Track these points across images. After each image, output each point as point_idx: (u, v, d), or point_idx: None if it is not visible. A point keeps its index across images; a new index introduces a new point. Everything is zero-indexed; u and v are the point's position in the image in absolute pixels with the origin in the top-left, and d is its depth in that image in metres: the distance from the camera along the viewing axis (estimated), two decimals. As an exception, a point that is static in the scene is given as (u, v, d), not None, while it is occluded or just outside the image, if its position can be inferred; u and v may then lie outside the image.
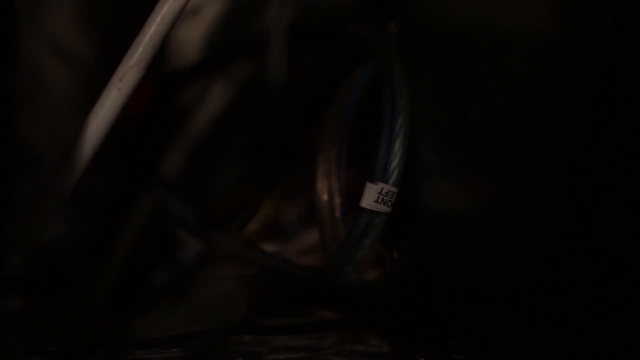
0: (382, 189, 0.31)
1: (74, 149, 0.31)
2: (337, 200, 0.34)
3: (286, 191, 0.43)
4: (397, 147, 0.31)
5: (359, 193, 0.32)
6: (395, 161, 0.31)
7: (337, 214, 0.34)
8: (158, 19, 0.31)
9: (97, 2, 0.43)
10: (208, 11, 0.44)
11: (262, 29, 0.41)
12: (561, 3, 0.23)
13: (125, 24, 0.43)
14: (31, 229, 0.30)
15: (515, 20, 0.25)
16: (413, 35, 0.35)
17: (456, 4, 0.30)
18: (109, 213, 0.42)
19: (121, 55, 0.31)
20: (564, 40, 0.23)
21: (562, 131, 0.23)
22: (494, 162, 0.27)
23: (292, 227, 0.42)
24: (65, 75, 0.42)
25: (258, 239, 0.41)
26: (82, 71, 0.42)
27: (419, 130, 0.33)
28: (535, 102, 0.24)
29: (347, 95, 0.36)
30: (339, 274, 0.32)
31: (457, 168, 0.30)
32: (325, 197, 0.34)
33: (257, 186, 0.42)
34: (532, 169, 0.25)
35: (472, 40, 0.29)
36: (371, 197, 0.31)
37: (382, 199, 0.31)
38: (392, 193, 0.31)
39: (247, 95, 0.44)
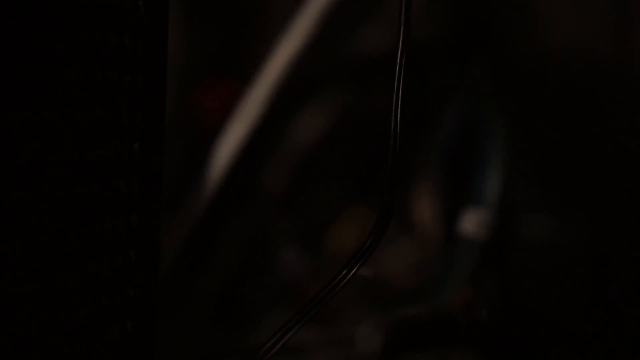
0: (479, 218, 0.34)
1: (201, 180, 0.35)
2: (436, 226, 0.36)
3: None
4: (493, 177, 0.34)
5: (455, 219, 0.35)
6: (492, 194, 0.34)
7: (436, 237, 0.36)
8: (278, 62, 0.35)
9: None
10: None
11: (369, 56, 0.45)
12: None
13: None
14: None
15: (606, 52, 0.27)
16: (506, 68, 0.37)
17: (545, 37, 0.32)
18: (215, 224, 0.44)
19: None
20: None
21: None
22: (587, 196, 0.29)
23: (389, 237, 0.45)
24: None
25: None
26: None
27: (513, 164, 0.35)
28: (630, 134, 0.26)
29: (446, 128, 0.38)
30: (436, 295, 0.35)
31: (549, 201, 0.33)
32: (425, 221, 0.37)
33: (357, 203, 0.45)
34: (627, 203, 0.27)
35: (562, 73, 0.31)
36: (468, 225, 0.34)
37: (479, 225, 0.34)
38: (487, 222, 0.34)
39: (350, 116, 0.46)
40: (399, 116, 0.30)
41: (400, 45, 0.31)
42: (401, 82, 0.29)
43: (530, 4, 0.35)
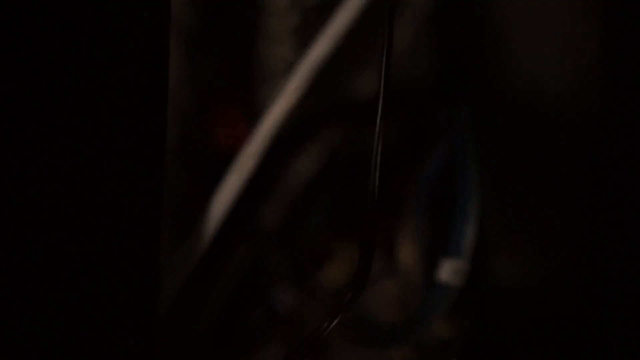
0: (456, 264, 0.37)
1: (205, 216, 0.37)
2: (417, 268, 0.39)
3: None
4: (470, 229, 0.37)
5: (434, 264, 0.38)
6: (468, 241, 0.37)
7: (417, 279, 0.39)
8: (279, 107, 0.38)
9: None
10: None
11: (357, 96, 0.47)
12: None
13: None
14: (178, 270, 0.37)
15: (562, 99, 0.29)
16: (484, 111, 0.39)
17: (527, 83, 0.34)
18: (213, 254, 0.47)
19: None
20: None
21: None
22: (555, 241, 0.31)
23: (373, 276, 0.48)
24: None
25: (341, 285, 0.46)
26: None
27: (487, 210, 0.38)
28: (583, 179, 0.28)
29: (427, 170, 0.41)
30: (414, 333, 0.38)
31: (520, 246, 0.35)
32: (407, 262, 0.39)
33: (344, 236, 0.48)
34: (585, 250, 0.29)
35: (531, 120, 0.33)
36: (446, 271, 0.37)
37: (455, 273, 0.37)
38: (464, 269, 0.37)
39: (338, 155, 0.49)
40: (379, 159, 0.32)
41: (381, 89, 0.33)
42: (381, 125, 0.32)
43: (514, 50, 0.36)
